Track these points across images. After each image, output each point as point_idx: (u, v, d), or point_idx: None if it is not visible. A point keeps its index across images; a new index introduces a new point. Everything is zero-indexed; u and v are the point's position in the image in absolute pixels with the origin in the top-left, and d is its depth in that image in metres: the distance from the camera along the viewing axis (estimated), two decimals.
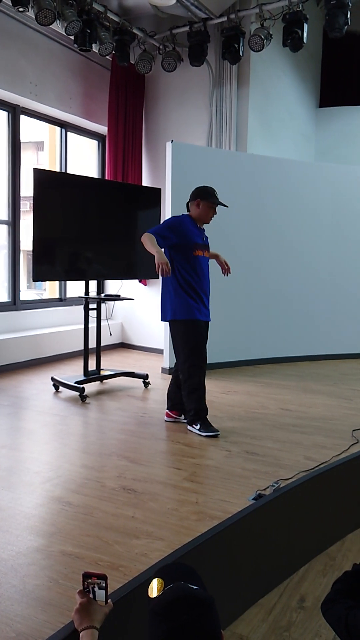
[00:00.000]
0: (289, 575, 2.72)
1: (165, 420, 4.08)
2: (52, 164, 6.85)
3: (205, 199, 3.88)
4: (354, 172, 6.64)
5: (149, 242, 3.73)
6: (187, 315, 3.82)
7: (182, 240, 3.82)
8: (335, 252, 6.54)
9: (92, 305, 5.00)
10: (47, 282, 6.97)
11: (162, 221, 5.41)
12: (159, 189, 5.43)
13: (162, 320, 4.00)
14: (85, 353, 4.92)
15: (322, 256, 6.50)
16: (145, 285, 7.00)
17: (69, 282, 6.73)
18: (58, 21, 5.07)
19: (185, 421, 3.95)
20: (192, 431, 3.82)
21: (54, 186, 4.66)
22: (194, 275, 3.87)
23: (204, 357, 3.89)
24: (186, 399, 3.86)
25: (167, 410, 4.11)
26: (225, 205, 3.91)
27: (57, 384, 4.84)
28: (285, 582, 2.67)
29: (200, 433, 3.75)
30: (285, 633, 2.29)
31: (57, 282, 6.74)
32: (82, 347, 5.05)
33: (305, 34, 5.49)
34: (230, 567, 2.39)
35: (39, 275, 4.66)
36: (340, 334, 6.61)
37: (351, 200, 6.56)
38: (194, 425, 3.81)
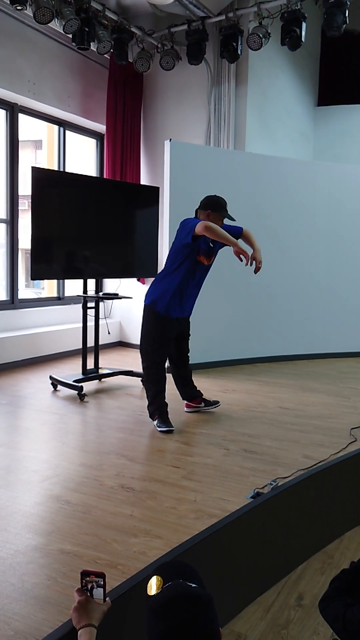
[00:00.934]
0: (287, 573, 2.73)
1: (186, 411, 4.23)
2: (50, 163, 6.85)
3: (216, 211, 3.84)
4: (352, 170, 6.64)
5: (217, 230, 3.59)
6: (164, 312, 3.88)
7: (198, 243, 3.80)
8: (332, 250, 6.54)
9: (91, 304, 5.00)
10: (45, 281, 6.96)
11: (160, 219, 5.44)
12: (158, 188, 5.42)
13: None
14: (83, 352, 4.92)
15: (320, 255, 6.50)
16: (143, 283, 6.99)
17: (67, 281, 6.73)
18: (56, 19, 5.07)
19: (206, 409, 4.23)
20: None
21: (52, 185, 4.66)
22: (192, 280, 3.90)
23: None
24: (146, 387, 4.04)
25: (186, 402, 4.26)
26: (232, 219, 3.86)
27: (55, 383, 4.84)
28: (283, 580, 2.68)
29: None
30: (284, 631, 2.29)
31: (55, 281, 6.74)
32: (80, 346, 5.04)
33: (303, 33, 5.49)
34: (228, 565, 2.40)
35: (37, 274, 4.65)
36: (339, 332, 6.62)
37: (349, 199, 6.56)
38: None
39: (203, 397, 4.31)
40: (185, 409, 4.26)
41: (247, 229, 4.06)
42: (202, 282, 4.03)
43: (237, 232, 4.01)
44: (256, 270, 3.80)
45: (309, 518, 2.96)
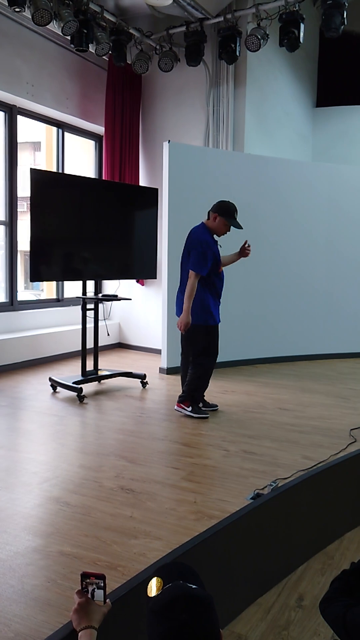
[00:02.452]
0: (287, 574, 2.72)
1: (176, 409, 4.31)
2: (49, 164, 6.85)
3: (223, 216, 4.10)
4: (351, 171, 6.65)
5: (189, 296, 4.03)
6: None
7: (214, 260, 4.10)
8: (331, 251, 6.55)
9: (90, 306, 5.00)
10: (45, 283, 6.96)
11: (159, 221, 5.44)
12: (156, 189, 5.42)
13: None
14: (82, 353, 4.92)
15: (319, 255, 6.50)
16: (142, 285, 7.00)
17: (66, 283, 6.73)
18: (54, 21, 5.08)
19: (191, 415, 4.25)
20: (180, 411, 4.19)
21: (50, 186, 4.65)
22: (219, 289, 4.27)
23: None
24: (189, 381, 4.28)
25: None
26: (239, 227, 4.11)
27: (54, 385, 4.83)
28: (284, 581, 2.68)
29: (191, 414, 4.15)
30: (284, 632, 2.29)
31: (54, 283, 6.74)
32: (79, 348, 5.04)
33: (301, 34, 5.49)
34: (228, 566, 2.40)
35: (36, 275, 4.65)
36: (338, 333, 6.62)
37: (347, 200, 6.57)
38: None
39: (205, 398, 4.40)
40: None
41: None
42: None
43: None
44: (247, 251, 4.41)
45: (309, 519, 2.96)
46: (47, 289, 7.02)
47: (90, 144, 7.24)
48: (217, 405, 4.38)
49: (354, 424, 3.97)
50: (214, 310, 4.18)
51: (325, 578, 2.70)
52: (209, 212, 4.17)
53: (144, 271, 5.47)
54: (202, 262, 4.01)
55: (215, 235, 4.17)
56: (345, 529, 3.20)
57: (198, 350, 4.22)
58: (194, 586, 1.26)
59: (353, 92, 8.24)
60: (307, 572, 2.77)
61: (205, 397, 4.37)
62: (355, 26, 6.66)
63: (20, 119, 6.06)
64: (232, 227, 4.10)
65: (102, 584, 1.62)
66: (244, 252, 4.43)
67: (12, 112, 5.92)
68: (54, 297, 6.77)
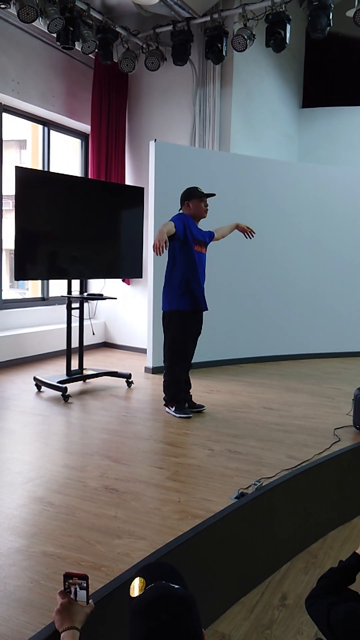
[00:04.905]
0: (270, 573, 2.73)
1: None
2: (34, 163, 6.80)
3: (191, 197, 4.18)
4: (336, 172, 6.69)
5: (163, 226, 3.94)
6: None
7: (189, 233, 4.09)
8: (316, 251, 6.58)
9: (75, 305, 4.97)
10: (30, 282, 6.92)
11: (145, 220, 5.43)
12: (142, 188, 5.41)
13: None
14: (67, 352, 4.89)
15: (304, 256, 6.53)
16: (128, 284, 6.98)
17: (51, 282, 6.69)
18: (40, 18, 5.04)
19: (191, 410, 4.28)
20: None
21: (36, 185, 4.63)
22: (194, 270, 4.14)
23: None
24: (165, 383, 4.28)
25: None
26: (212, 194, 4.21)
27: (39, 384, 4.80)
28: (267, 580, 2.68)
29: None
30: (267, 631, 2.30)
31: (39, 282, 6.70)
32: (64, 347, 5.01)
33: (288, 35, 5.51)
34: (212, 566, 2.40)
35: (21, 274, 4.62)
36: (323, 333, 6.66)
37: (333, 201, 6.61)
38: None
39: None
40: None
41: (215, 229, 4.50)
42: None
43: (212, 235, 4.45)
44: (250, 233, 4.54)
45: (293, 518, 2.97)
46: (32, 288, 6.98)
47: (76, 142, 7.21)
48: (204, 406, 4.36)
49: (338, 423, 3.99)
50: (194, 295, 4.16)
51: (308, 577, 2.71)
52: (181, 208, 4.23)
53: (130, 270, 5.46)
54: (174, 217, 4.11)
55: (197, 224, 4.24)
56: (329, 528, 3.22)
57: (169, 345, 4.22)
58: (176, 586, 1.26)
59: (339, 94, 8.29)
60: (290, 571, 2.78)
61: (192, 399, 4.37)
62: (341, 28, 6.69)
63: (6, 117, 6.01)
64: (207, 198, 4.19)
65: (84, 585, 1.61)
66: (244, 230, 4.53)
67: None
68: (39, 296, 6.74)
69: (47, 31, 5.25)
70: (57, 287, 6.65)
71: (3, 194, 5.96)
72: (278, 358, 6.43)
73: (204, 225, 4.34)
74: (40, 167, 6.58)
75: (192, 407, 4.30)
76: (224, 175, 5.95)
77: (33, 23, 5.02)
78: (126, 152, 6.94)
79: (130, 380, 5.11)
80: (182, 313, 4.15)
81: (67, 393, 4.54)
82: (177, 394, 4.21)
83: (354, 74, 8.15)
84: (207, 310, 4.29)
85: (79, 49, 5.75)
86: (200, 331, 4.34)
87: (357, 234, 6.71)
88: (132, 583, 1.31)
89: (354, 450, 3.47)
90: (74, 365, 5.00)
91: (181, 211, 4.22)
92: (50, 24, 5.09)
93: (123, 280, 6.89)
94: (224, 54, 5.88)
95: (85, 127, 6.84)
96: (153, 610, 1.18)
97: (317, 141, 8.28)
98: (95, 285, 6.90)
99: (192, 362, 4.36)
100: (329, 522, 3.24)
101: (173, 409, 4.19)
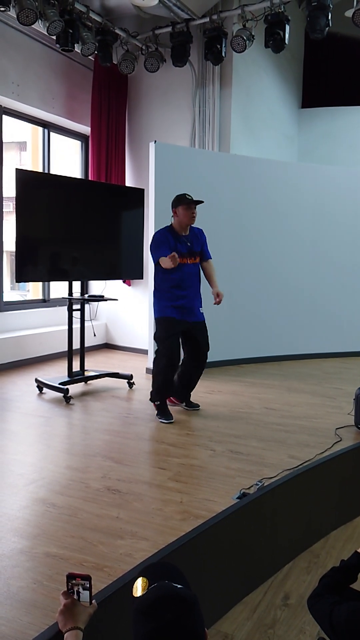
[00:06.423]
0: (273, 573, 2.74)
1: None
2: (35, 165, 6.81)
3: (178, 204, 4.17)
4: (336, 172, 6.70)
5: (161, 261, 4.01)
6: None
7: (169, 252, 4.03)
8: (317, 252, 6.58)
9: (76, 306, 4.98)
10: (31, 283, 6.92)
11: (145, 221, 5.45)
12: (143, 190, 5.42)
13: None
14: (69, 354, 4.90)
15: (304, 256, 6.54)
16: (129, 285, 6.99)
17: (52, 283, 6.70)
18: (40, 21, 5.05)
19: (186, 408, 4.37)
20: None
21: (36, 186, 4.64)
22: (179, 281, 4.13)
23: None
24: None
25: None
26: (201, 202, 4.16)
27: (41, 386, 4.81)
28: (270, 580, 2.69)
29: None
30: (270, 630, 2.30)
31: (40, 283, 6.70)
32: (66, 348, 5.02)
33: (287, 35, 5.51)
34: (214, 566, 2.40)
35: (22, 276, 4.63)
36: (323, 333, 6.66)
37: (333, 201, 6.61)
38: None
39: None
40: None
41: (212, 262, 4.39)
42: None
43: (206, 258, 4.37)
44: (217, 303, 4.24)
45: (295, 518, 2.98)
46: (33, 290, 6.98)
47: (76, 144, 7.22)
48: (198, 405, 4.40)
49: (339, 423, 3.99)
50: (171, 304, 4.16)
51: (311, 577, 2.71)
52: (172, 218, 4.25)
53: (131, 271, 5.47)
54: (154, 254, 4.14)
55: (182, 233, 4.20)
56: (331, 528, 3.22)
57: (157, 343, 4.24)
58: (179, 586, 1.26)
59: (338, 94, 8.30)
60: (293, 570, 2.78)
61: (191, 398, 4.38)
62: (340, 28, 6.70)
63: (6, 119, 6.02)
64: (196, 205, 4.14)
65: (87, 585, 1.61)
66: (217, 295, 4.27)
67: None
68: (40, 297, 6.74)
69: (46, 33, 5.26)
70: (58, 288, 6.66)
71: (4, 196, 5.97)
72: (279, 358, 6.43)
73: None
74: (40, 169, 6.59)
75: (188, 405, 4.36)
76: (224, 176, 5.95)
77: (33, 25, 5.02)
78: (126, 154, 6.95)
79: (131, 381, 5.12)
80: (168, 318, 4.15)
81: (69, 394, 4.54)
82: (160, 389, 4.15)
83: (353, 74, 8.16)
84: (199, 321, 4.26)
85: (79, 51, 5.76)
86: (207, 344, 4.34)
87: (357, 233, 6.71)
88: (135, 583, 1.32)
89: (356, 450, 3.48)
90: (76, 366, 5.00)
91: (172, 218, 4.22)
92: (49, 26, 5.10)
93: (124, 282, 6.90)
94: (223, 54, 5.88)
95: (85, 129, 6.85)
96: (156, 610, 1.18)
97: (317, 141, 8.29)
98: (96, 286, 6.90)
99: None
100: (331, 522, 3.24)
101: (156, 411, 4.16)
